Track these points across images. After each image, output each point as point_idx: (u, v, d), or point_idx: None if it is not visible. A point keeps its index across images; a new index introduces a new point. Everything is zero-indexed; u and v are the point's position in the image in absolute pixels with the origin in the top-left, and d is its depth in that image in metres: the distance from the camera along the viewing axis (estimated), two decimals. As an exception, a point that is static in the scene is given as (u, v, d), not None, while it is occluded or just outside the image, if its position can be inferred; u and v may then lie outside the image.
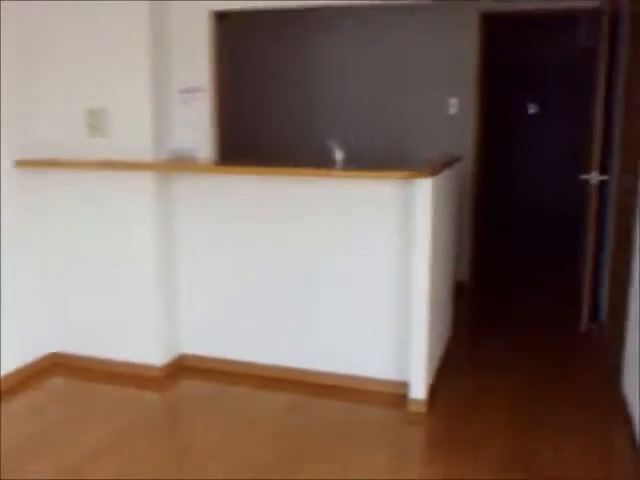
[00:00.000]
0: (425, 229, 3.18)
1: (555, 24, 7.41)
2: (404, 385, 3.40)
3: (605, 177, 4.41)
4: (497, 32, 6.10)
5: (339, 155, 3.57)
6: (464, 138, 5.47)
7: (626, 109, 4.10)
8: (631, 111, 3.88)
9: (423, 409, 3.32)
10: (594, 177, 4.39)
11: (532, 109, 9.45)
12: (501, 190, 9.10)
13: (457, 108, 5.44)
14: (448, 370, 3.82)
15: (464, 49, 5.36)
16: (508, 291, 5.80)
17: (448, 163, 3.74)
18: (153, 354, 3.73)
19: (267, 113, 5.94)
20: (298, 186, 3.48)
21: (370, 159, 5.06)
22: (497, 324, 4.83)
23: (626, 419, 3.21)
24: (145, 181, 3.55)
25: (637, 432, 2.99)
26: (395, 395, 3.44)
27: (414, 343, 3.31)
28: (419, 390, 3.33)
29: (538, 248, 7.55)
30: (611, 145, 4.51)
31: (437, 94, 5.45)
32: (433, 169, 3.17)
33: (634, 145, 3.62)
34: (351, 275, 3.49)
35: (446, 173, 3.62)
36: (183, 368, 3.83)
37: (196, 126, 3.70)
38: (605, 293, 4.55)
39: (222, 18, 3.69)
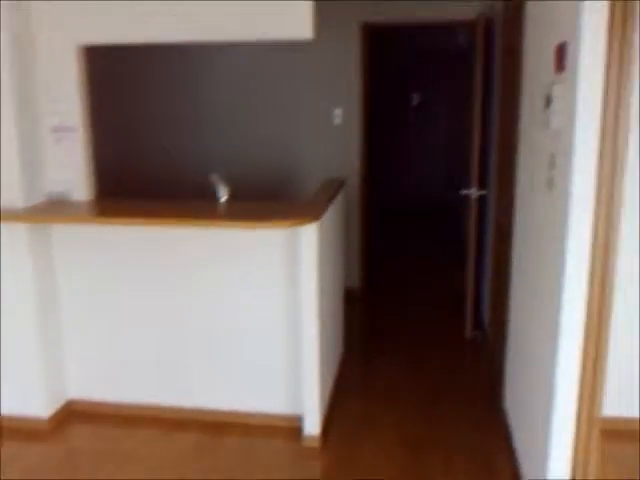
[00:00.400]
0: (312, 269, 3.20)
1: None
2: (299, 419, 3.44)
3: (484, 192, 4.58)
4: (380, 35, 6.17)
5: (223, 192, 3.52)
6: (350, 148, 5.53)
7: (501, 123, 4.24)
8: (505, 124, 4.02)
9: (317, 444, 3.38)
10: (474, 192, 4.56)
11: (416, 101, 9.68)
12: (390, 194, 9.33)
13: (342, 118, 5.47)
14: (341, 396, 3.89)
15: (347, 59, 5.39)
16: (397, 297, 5.94)
17: (334, 193, 3.77)
18: (38, 405, 3.56)
19: (149, 147, 5.71)
20: (182, 232, 3.40)
21: (258, 188, 5.04)
22: (386, 335, 4.95)
23: (507, 440, 3.39)
24: (18, 231, 3.35)
25: (517, 457, 3.18)
26: (292, 429, 3.47)
27: (306, 381, 3.35)
28: (313, 425, 3.39)
29: (428, 250, 7.75)
30: (489, 159, 4.68)
31: (322, 106, 5.45)
32: (317, 212, 3.17)
33: (508, 161, 3.76)
34: (242, 315, 3.47)
35: (332, 207, 3.64)
36: (73, 415, 3.69)
37: (71, 165, 3.51)
38: (487, 301, 4.76)
39: (95, 51, 3.50)
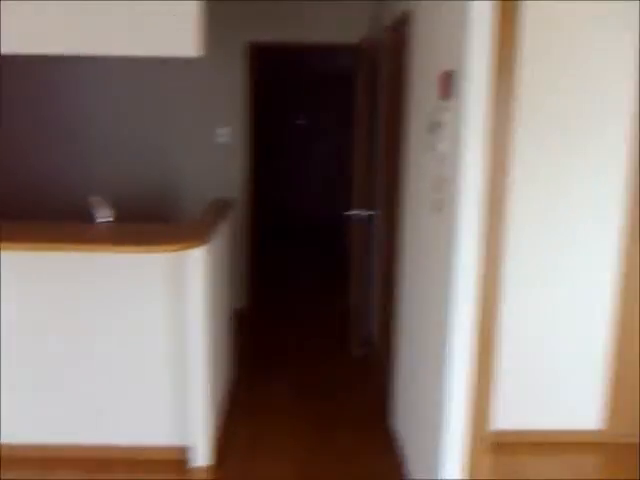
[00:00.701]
0: (199, 295, 3.10)
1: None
2: (188, 450, 3.30)
3: (371, 212, 4.64)
4: (269, 55, 6.18)
5: (105, 214, 3.35)
6: (237, 167, 5.47)
7: (388, 144, 4.29)
8: (391, 146, 4.08)
9: (207, 476, 3.25)
10: (361, 212, 4.60)
11: (304, 121, 9.72)
12: (278, 213, 9.29)
13: (229, 137, 5.40)
14: (232, 423, 3.78)
15: (233, 78, 5.34)
16: (286, 316, 5.89)
17: (222, 214, 3.68)
18: None
19: (25, 168, 5.37)
20: (60, 256, 3.18)
21: (142, 209, 4.85)
22: (275, 356, 4.88)
23: (398, 458, 3.41)
24: None
25: (408, 474, 3.21)
26: (180, 462, 3.32)
27: (194, 411, 3.22)
28: (202, 456, 3.26)
29: (316, 269, 7.75)
30: (377, 180, 4.75)
31: (209, 124, 5.36)
32: (205, 235, 3.07)
33: (396, 182, 3.82)
34: (126, 343, 3.28)
35: (220, 229, 3.55)
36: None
37: None
38: (375, 319, 4.82)
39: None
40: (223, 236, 3.78)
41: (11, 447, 3.36)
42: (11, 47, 3.15)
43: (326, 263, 7.88)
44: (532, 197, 3.36)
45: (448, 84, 2.46)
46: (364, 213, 4.62)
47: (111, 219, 3.34)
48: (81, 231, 3.20)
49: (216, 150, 5.40)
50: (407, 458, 3.30)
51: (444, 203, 2.56)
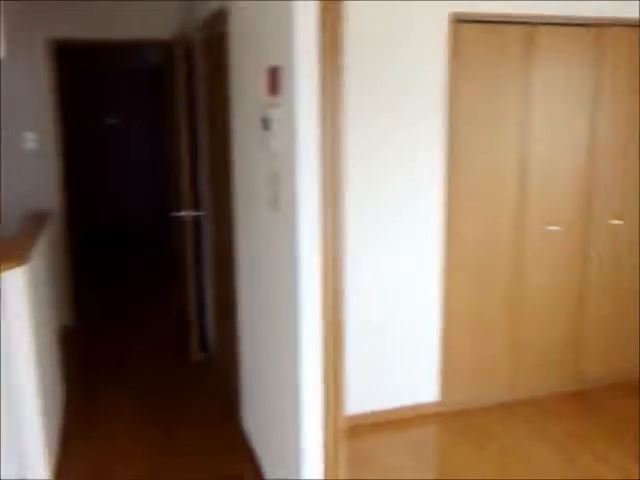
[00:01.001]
0: (22, 321, 2.81)
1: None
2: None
3: (198, 213, 4.50)
4: (74, 53, 5.79)
5: None
6: (48, 175, 5.09)
7: (212, 142, 4.17)
8: (217, 144, 3.97)
9: (51, 512, 3.00)
10: (187, 214, 4.45)
11: (116, 122, 9.26)
12: (96, 220, 8.78)
13: (36, 142, 4.99)
14: (71, 447, 3.49)
15: (37, 78, 4.94)
16: (116, 329, 5.56)
17: (39, 228, 3.39)
18: None
19: None
20: None
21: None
22: (110, 370, 4.61)
23: (252, 459, 3.36)
24: None
25: (264, 473, 3.17)
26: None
27: (29, 445, 2.94)
28: (43, 492, 3.00)
29: (144, 275, 7.42)
30: (201, 179, 4.61)
31: (12, 130, 4.90)
32: (23, 253, 2.80)
33: (225, 181, 3.72)
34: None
35: (38, 245, 3.26)
36: None
37: None
38: (212, 323, 4.69)
39: None
40: (42, 252, 3.48)
41: None
42: None
43: (154, 268, 7.58)
44: (365, 180, 3.48)
45: (276, 80, 2.42)
46: (191, 214, 4.47)
47: None
48: None
49: (24, 157, 4.96)
50: (262, 458, 3.26)
51: (280, 200, 2.53)
